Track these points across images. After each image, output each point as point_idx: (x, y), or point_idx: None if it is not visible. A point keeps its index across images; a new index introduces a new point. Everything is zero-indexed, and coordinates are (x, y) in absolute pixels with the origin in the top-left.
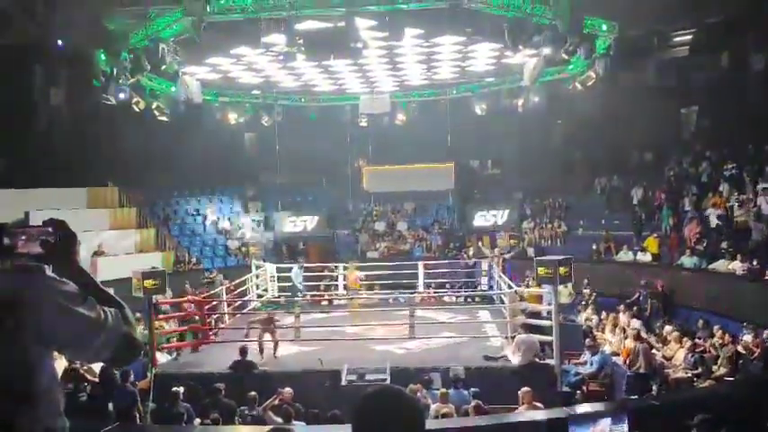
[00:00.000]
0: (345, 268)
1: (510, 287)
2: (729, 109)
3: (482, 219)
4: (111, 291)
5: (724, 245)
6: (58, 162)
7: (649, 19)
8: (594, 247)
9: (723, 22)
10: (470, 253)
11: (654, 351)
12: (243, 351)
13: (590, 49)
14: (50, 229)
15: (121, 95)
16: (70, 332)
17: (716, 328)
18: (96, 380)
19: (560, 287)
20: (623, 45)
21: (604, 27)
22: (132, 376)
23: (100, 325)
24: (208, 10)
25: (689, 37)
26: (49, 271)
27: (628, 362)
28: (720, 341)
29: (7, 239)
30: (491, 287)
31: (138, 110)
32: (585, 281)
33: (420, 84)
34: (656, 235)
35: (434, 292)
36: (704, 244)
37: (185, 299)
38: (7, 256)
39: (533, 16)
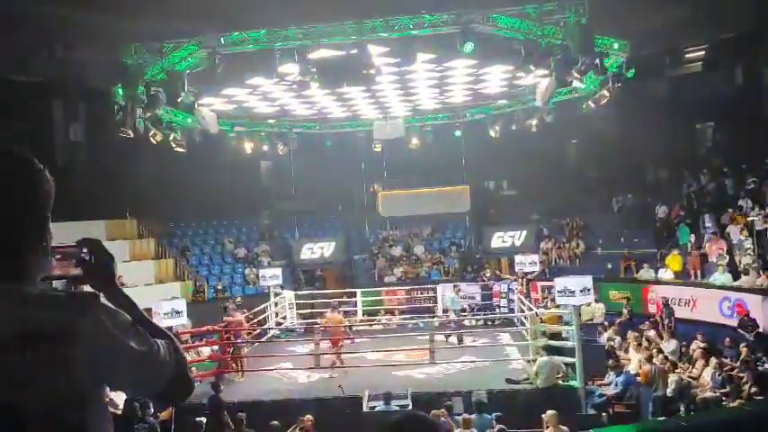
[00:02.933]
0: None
1: (530, 309)
2: (745, 123)
3: (499, 240)
4: None
5: (749, 260)
6: (78, 195)
7: (661, 36)
8: (610, 266)
9: (735, 38)
10: (488, 275)
11: (679, 371)
12: (215, 386)
13: (602, 68)
14: (84, 250)
15: (139, 129)
16: (123, 366)
17: (742, 345)
18: (118, 412)
19: (589, 306)
20: (636, 63)
21: (616, 46)
22: (152, 409)
23: (152, 358)
24: (222, 42)
25: (702, 53)
26: (102, 299)
27: (645, 383)
28: (747, 359)
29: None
30: (511, 309)
31: (155, 142)
32: (625, 301)
33: (433, 108)
34: (677, 252)
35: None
36: (726, 260)
37: (205, 328)
38: (43, 278)
39: (544, 37)
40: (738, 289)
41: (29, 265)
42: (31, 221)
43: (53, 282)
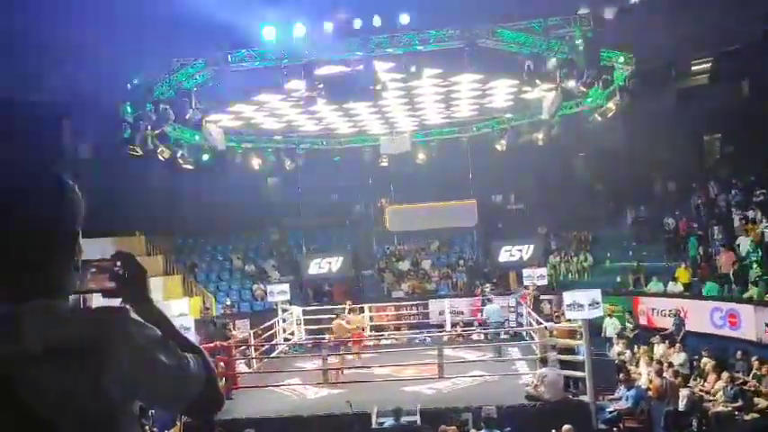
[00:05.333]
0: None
1: (539, 323)
2: (753, 135)
3: (507, 254)
4: None
5: (758, 272)
6: (87, 213)
7: (667, 49)
8: (619, 279)
9: (742, 50)
10: (487, 289)
11: (691, 385)
12: None
13: (608, 81)
14: (118, 263)
15: (147, 146)
16: (154, 381)
17: (754, 359)
18: None
19: (606, 320)
20: (641, 76)
21: (621, 59)
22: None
23: (181, 372)
24: (229, 59)
25: (708, 65)
26: (132, 313)
27: (656, 397)
28: (759, 372)
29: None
30: (520, 324)
31: (162, 159)
32: (627, 315)
33: (440, 122)
34: (685, 265)
35: (462, 331)
36: (732, 272)
37: (213, 345)
38: (77, 292)
39: (550, 52)
40: (729, 299)
41: (60, 281)
42: (62, 237)
43: (88, 295)
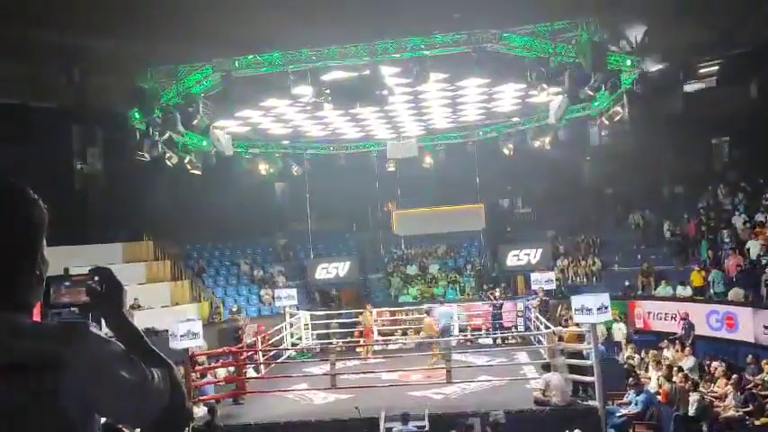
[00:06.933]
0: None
1: (547, 327)
2: (761, 138)
3: (515, 258)
4: None
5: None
6: (95, 219)
7: (675, 52)
8: (627, 283)
9: (750, 52)
10: (497, 294)
11: (701, 389)
12: (212, 410)
13: (615, 84)
14: (95, 278)
15: (155, 152)
16: (112, 395)
17: (764, 362)
18: None
19: (613, 325)
20: (649, 79)
21: (628, 62)
22: None
23: (144, 388)
24: (236, 65)
25: (716, 68)
26: (93, 328)
27: (666, 402)
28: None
29: (52, 288)
30: (527, 328)
31: (170, 164)
32: (623, 317)
33: (446, 127)
34: (698, 268)
35: (471, 335)
36: (735, 275)
37: (221, 350)
38: (51, 306)
39: (556, 55)
40: (728, 302)
41: (20, 295)
42: (23, 251)
43: (62, 309)
